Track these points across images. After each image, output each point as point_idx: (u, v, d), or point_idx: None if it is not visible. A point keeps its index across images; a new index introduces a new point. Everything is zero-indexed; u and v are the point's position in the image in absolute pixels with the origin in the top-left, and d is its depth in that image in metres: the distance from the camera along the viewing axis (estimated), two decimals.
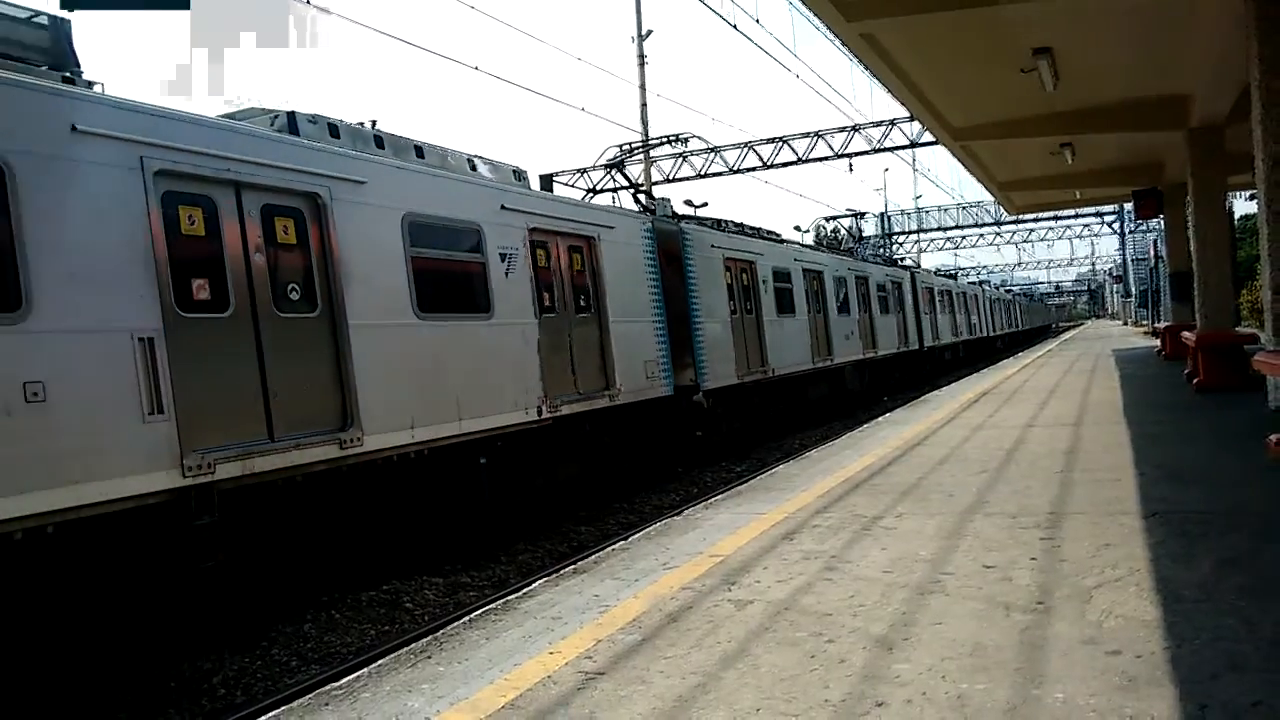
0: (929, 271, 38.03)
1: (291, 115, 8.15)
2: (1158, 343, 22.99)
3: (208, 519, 6.49)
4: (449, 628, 4.36)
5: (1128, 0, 9.46)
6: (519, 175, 11.03)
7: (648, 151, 24.27)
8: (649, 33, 26.31)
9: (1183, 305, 18.51)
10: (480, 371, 9.27)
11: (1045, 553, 4.59)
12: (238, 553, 6.87)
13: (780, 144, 32.29)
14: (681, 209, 15.35)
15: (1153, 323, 38.32)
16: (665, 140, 17.12)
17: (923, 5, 9.22)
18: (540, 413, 10.00)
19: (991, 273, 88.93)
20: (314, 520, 7.64)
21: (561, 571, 5.31)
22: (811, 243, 22.08)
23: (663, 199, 15.39)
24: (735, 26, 19.96)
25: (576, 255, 11.33)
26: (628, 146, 16.59)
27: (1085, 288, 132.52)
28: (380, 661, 3.98)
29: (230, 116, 8.16)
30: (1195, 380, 12.22)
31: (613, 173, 16.34)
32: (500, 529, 9.71)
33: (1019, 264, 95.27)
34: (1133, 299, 57.86)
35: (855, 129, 31.15)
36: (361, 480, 7.94)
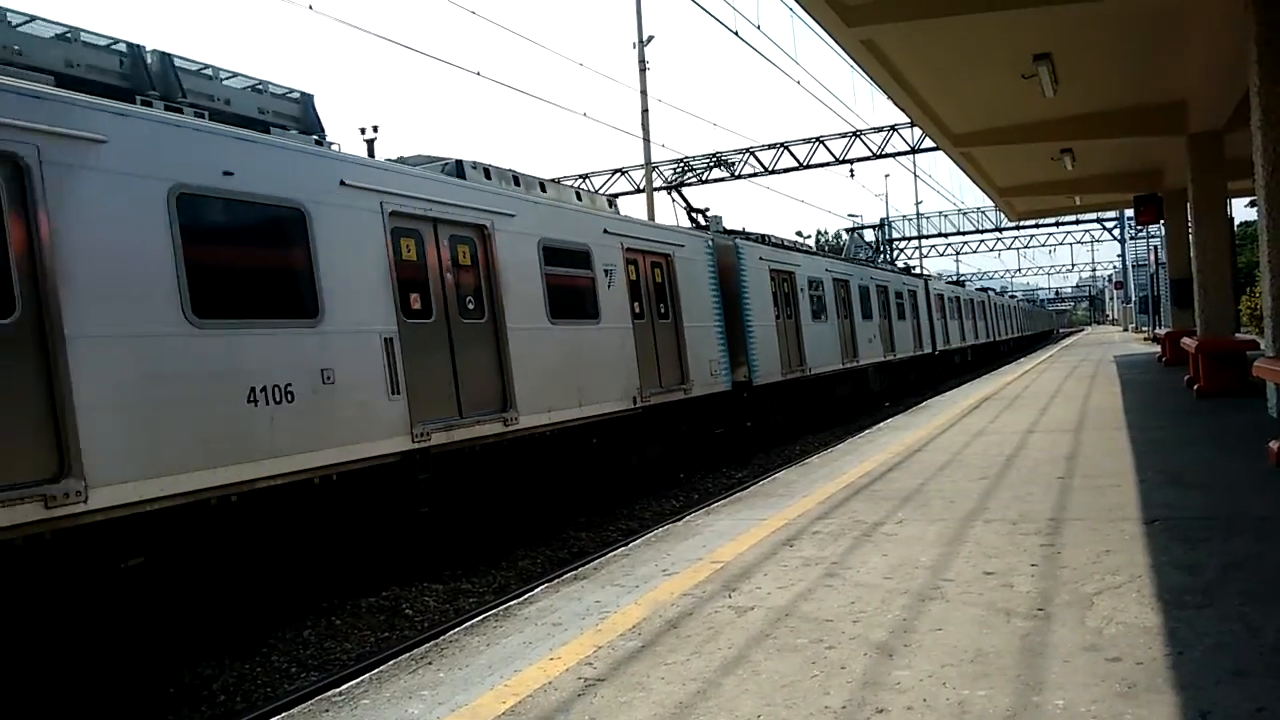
0: (939, 279, 39.63)
1: (459, 163, 9.87)
2: (1158, 349, 22.98)
3: (424, 475, 8.38)
4: (449, 634, 4.35)
5: (1127, 6, 9.47)
6: (611, 203, 13.13)
7: (668, 181, 24.38)
8: (650, 38, 26.30)
9: (1183, 311, 18.51)
10: (592, 368, 11.08)
11: (1046, 559, 4.58)
12: (441, 503, 8.68)
13: (781, 149, 32.35)
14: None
15: (1153, 329, 38.30)
16: (714, 163, 18.07)
17: (923, 11, 9.24)
18: (635, 402, 11.81)
19: (992, 278, 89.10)
20: (485, 480, 9.44)
21: (562, 578, 5.30)
22: (813, 247, 22.65)
23: (715, 216, 16.79)
24: (737, 33, 19.96)
25: (657, 269, 13.09)
26: (683, 167, 17.40)
27: (1085, 294, 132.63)
28: (380, 668, 3.97)
29: (402, 160, 9.70)
30: (1196, 386, 12.22)
31: (672, 193, 17.45)
32: (607, 496, 11.51)
33: (1019, 270, 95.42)
34: (1133, 305, 57.86)
35: (856, 135, 31.22)
36: (515, 451, 9.76)
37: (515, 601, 4.82)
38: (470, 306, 9.28)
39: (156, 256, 6.31)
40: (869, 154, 31.24)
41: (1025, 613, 3.78)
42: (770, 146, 32.48)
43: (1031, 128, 14.71)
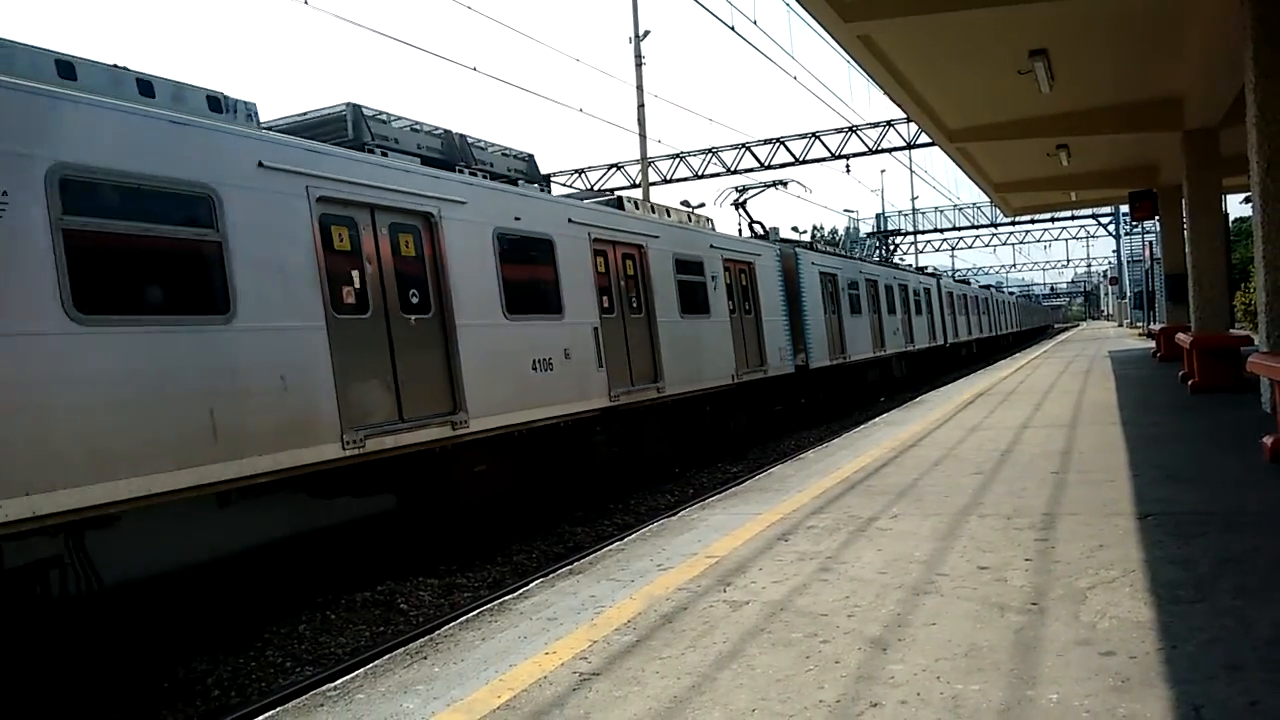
0: (950, 278, 44.24)
1: (655, 206, 13.17)
2: (1153, 344, 23.03)
3: (602, 430, 11.51)
4: (444, 629, 4.35)
5: (1123, 2, 9.48)
6: (709, 221, 15.98)
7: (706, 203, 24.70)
8: (646, 33, 26.26)
9: (1178, 307, 18.55)
10: (707, 352, 14.26)
11: (1040, 554, 4.59)
12: (619, 446, 11.99)
13: (777, 145, 32.33)
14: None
15: (1148, 324, 38.38)
16: (772, 184, 21.37)
17: (919, 7, 9.24)
18: (733, 379, 14.89)
19: (987, 274, 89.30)
20: (639, 428, 12.48)
21: (557, 572, 5.30)
22: (808, 242, 23.49)
23: (773, 228, 19.87)
24: (733, 28, 19.95)
25: (743, 274, 16.17)
26: (741, 186, 20.90)
27: (1081, 289, 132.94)
28: (375, 662, 3.97)
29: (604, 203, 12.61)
30: (1190, 382, 12.24)
31: (739, 210, 20.46)
32: (712, 450, 14.68)
33: (1015, 265, 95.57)
34: (1128, 300, 57.98)
35: (852, 130, 31.21)
36: (661, 409, 12.93)
37: (510, 596, 4.82)
38: (634, 305, 12.50)
39: (488, 275, 9.41)
40: (865, 149, 31.23)
41: (1019, 607, 3.79)
42: (766, 142, 32.46)
43: (1027, 123, 14.72)
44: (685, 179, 33.49)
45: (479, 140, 10.67)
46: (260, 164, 7.26)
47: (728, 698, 3.11)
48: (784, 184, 20.72)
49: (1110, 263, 79.20)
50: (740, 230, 19.81)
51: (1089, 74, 12.37)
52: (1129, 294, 57.72)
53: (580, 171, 34.57)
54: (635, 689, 3.27)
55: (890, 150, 31.34)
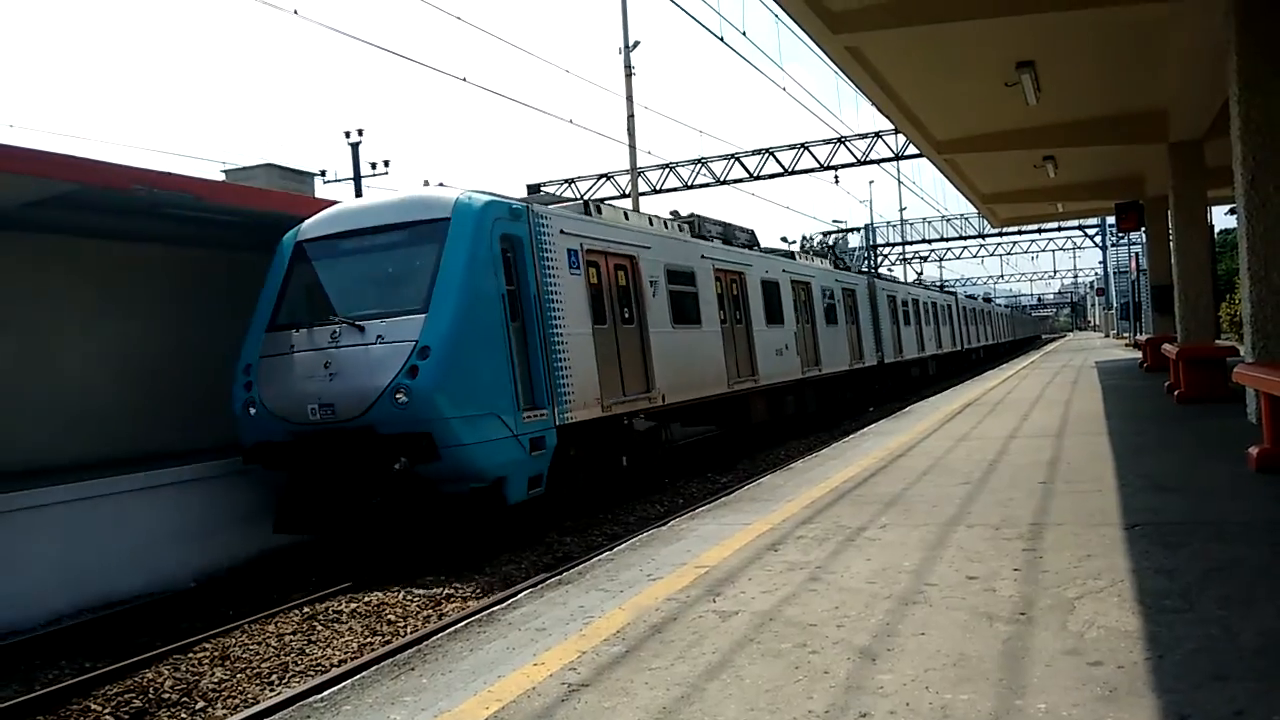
0: (965, 294, 54.64)
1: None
2: (1139, 355, 23.15)
3: (733, 403, 15.39)
4: (432, 639, 4.33)
5: (1108, 16, 9.57)
6: (791, 254, 22.26)
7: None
8: (636, 44, 26.32)
9: (1164, 317, 18.69)
10: (837, 346, 21.21)
11: (1028, 564, 4.61)
12: (767, 411, 16.96)
13: (767, 155, 32.45)
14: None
15: (1134, 335, 38.59)
16: (851, 230, 29.12)
17: (908, 18, 9.31)
18: (848, 368, 21.87)
19: (975, 285, 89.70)
20: (780, 398, 17.43)
21: (546, 583, 5.28)
22: (797, 251, 25.47)
23: (848, 254, 29.31)
24: (722, 39, 20.01)
25: (849, 296, 23.04)
26: (837, 237, 29.31)
27: (1067, 300, 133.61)
28: (363, 674, 3.95)
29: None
30: (1176, 392, 12.31)
31: (829, 253, 28.70)
32: (837, 412, 21.00)
33: (1002, 276, 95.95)
34: (1114, 311, 58.30)
35: (841, 141, 31.35)
36: (745, 397, 15.64)
37: (499, 607, 4.80)
38: (772, 316, 17.26)
39: (661, 296, 12.99)
40: (854, 160, 31.38)
41: (1007, 617, 3.80)
42: (756, 152, 32.58)
43: (1014, 135, 14.84)
44: (675, 189, 33.57)
45: (719, 222, 16.67)
46: (812, 267, 21.13)
47: (717, 708, 3.10)
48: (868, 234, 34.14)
49: (1097, 273, 79.64)
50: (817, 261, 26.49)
51: (1075, 86, 12.48)
52: (1115, 305, 58.06)
53: (570, 181, 34.60)
54: (624, 700, 3.26)
55: (878, 161, 31.52)
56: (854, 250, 56.82)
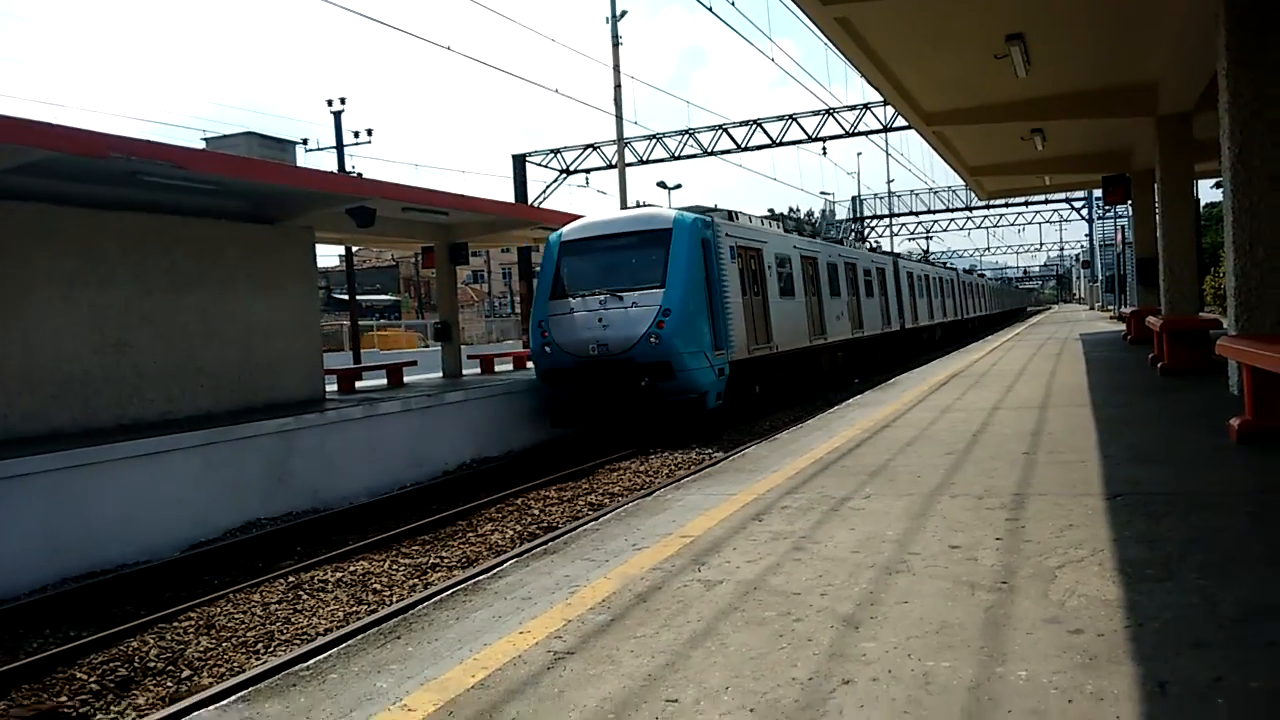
0: (956, 267, 59.59)
1: (731, 214, 17.17)
2: (1123, 327, 23.28)
3: (840, 354, 22.31)
4: (418, 608, 4.33)
5: None
6: (840, 240, 28.98)
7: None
8: (624, 13, 26.09)
9: (1149, 290, 18.77)
10: (878, 313, 26.37)
11: (1010, 533, 4.64)
12: (852, 361, 23.39)
13: (754, 127, 32.27)
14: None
15: (1119, 307, 38.81)
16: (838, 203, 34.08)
17: None
18: (885, 329, 27.29)
19: (961, 257, 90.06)
20: (839, 353, 22.41)
21: (532, 552, 5.29)
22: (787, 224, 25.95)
23: (835, 226, 38.34)
24: (710, 9, 19.82)
25: (881, 272, 27.68)
26: (823, 209, 36.73)
27: (1053, 273, 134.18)
28: (349, 642, 3.95)
29: (691, 209, 15.69)
30: (1160, 364, 12.40)
31: (867, 239, 42.49)
32: (884, 361, 25.98)
33: (989, 248, 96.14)
34: (1099, 284, 58.59)
35: (829, 113, 31.20)
36: (817, 350, 20.36)
37: (485, 576, 4.81)
38: (834, 291, 21.93)
39: (772, 276, 17.76)
40: (842, 132, 31.24)
41: (989, 586, 3.83)
42: (744, 124, 32.39)
43: (1003, 107, 14.80)
44: (662, 160, 33.38)
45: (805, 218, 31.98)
46: (886, 259, 30.24)
47: (701, 676, 3.12)
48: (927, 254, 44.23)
49: (1083, 246, 80.00)
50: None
51: (1065, 59, 12.44)
52: (1101, 277, 58.36)
53: (556, 152, 34.36)
54: (609, 667, 3.27)
55: (867, 133, 31.39)
56: (841, 222, 56.85)
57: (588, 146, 33.91)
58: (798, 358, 18.95)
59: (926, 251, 70.07)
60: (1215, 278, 28.52)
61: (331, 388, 15.61)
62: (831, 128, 31.22)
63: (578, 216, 16.76)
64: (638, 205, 21.16)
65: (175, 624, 7.12)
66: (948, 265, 54.14)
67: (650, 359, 14.00)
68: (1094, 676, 2.84)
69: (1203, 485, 5.53)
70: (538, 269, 17.37)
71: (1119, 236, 42.02)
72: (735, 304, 15.47)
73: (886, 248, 53.37)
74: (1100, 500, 5.20)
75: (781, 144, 31.97)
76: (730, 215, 17.03)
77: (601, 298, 14.50)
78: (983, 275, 70.06)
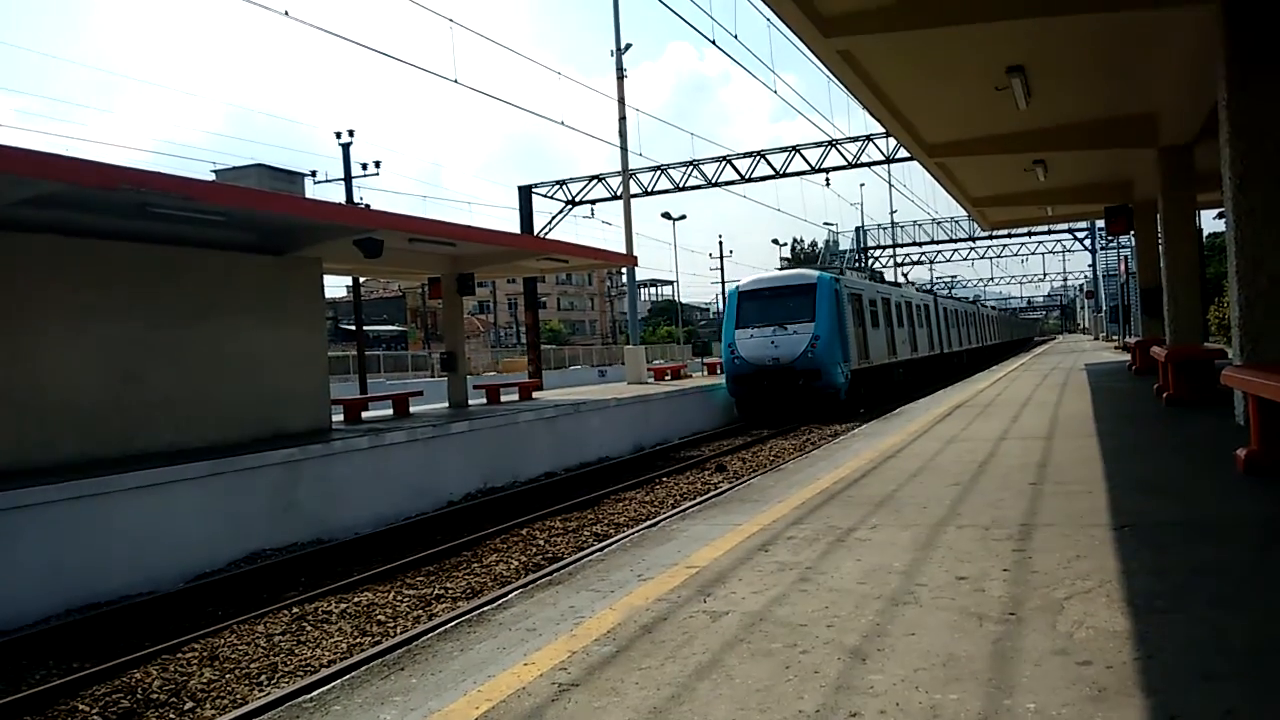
0: (977, 301, 68.10)
1: (841, 269, 29.02)
2: (1128, 357, 23.25)
3: (901, 370, 29.64)
4: (422, 639, 4.32)
5: (1099, 20, 9.61)
6: (898, 284, 38.85)
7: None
8: (628, 46, 26.38)
9: (1153, 320, 18.77)
10: (931, 338, 35.65)
11: (1017, 564, 4.62)
12: (908, 378, 30.22)
13: (758, 158, 32.48)
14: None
15: (1123, 337, 38.77)
16: (841, 234, 41.71)
17: (900, 23, 9.33)
18: (929, 353, 34.76)
19: (964, 287, 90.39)
20: (903, 371, 30.12)
21: (536, 583, 5.27)
22: (789, 255, 28.15)
23: (839, 256, 48.92)
24: (714, 42, 20.09)
25: (925, 308, 35.01)
26: (826, 240, 46.72)
27: (1057, 303, 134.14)
28: (352, 674, 3.94)
29: (818, 268, 27.06)
30: (1165, 394, 12.37)
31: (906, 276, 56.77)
32: (936, 377, 32.58)
33: (992, 279, 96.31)
34: (1103, 314, 58.57)
35: (832, 144, 31.41)
36: (890, 366, 28.11)
37: (489, 607, 4.79)
38: (900, 322, 29.82)
39: (861, 313, 25.42)
40: (845, 163, 31.45)
41: (997, 617, 3.81)
42: (747, 155, 32.62)
43: (1005, 139, 14.88)
44: (666, 190, 33.58)
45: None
46: (928, 297, 38.36)
47: (707, 708, 3.10)
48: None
49: (1086, 276, 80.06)
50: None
51: (1065, 90, 12.53)
52: (1104, 308, 58.34)
53: (562, 183, 34.60)
54: (614, 699, 3.26)
55: (869, 164, 31.58)
56: (845, 253, 57.01)
57: (593, 178, 34.14)
58: (881, 371, 26.66)
59: (951, 285, 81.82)
60: (1219, 308, 28.51)
61: (338, 417, 15.63)
62: (834, 159, 31.43)
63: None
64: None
65: (179, 655, 7.10)
66: (971, 301, 61.77)
67: (806, 367, 22.31)
68: (1103, 709, 2.82)
69: (1210, 516, 5.50)
70: (722, 311, 31.99)
71: (1122, 266, 42.05)
72: (850, 333, 23.52)
73: (889, 277, 55.89)
74: (1107, 531, 5.18)
75: (785, 175, 32.17)
76: (841, 272, 26.53)
77: (773, 328, 22.85)
78: (989, 306, 76.07)
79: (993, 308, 76.61)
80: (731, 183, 32.74)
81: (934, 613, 3.93)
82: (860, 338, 24.56)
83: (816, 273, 23.83)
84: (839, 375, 22.43)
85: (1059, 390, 16.54)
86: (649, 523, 8.98)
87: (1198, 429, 9.64)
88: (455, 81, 25.53)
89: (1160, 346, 13.81)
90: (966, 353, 44.11)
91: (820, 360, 22.14)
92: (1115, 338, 45.69)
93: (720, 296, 60.57)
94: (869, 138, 30.72)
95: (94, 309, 10.98)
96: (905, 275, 64.32)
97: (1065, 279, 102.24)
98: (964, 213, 39.53)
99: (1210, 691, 2.90)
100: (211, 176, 15.28)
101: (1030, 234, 57.76)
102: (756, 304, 23.43)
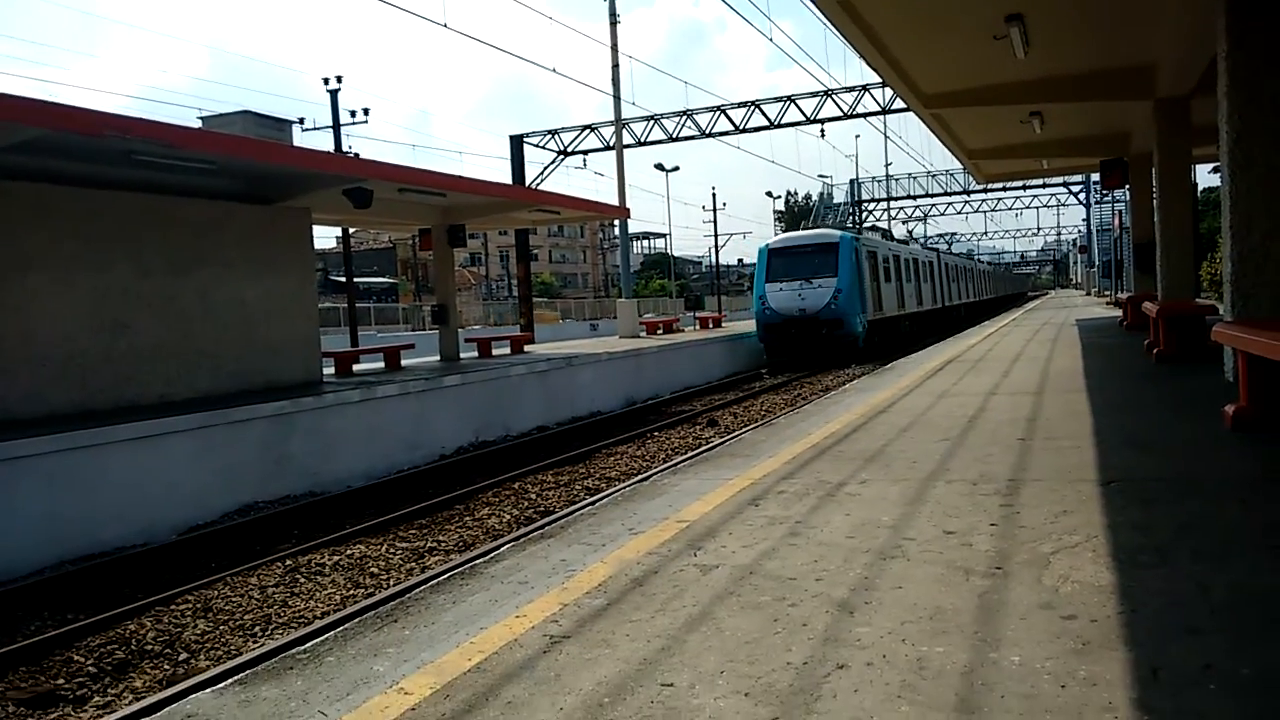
0: (976, 258, 72.57)
1: (859, 229, 35.50)
2: (1120, 313, 23.29)
3: (908, 322, 32.63)
4: (415, 592, 4.35)
5: None
6: (906, 241, 44.24)
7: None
8: None
9: (1145, 276, 18.77)
10: (936, 292, 39.09)
11: (1005, 519, 4.66)
12: (914, 328, 33.28)
13: (753, 108, 32.13)
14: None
15: (1115, 293, 38.83)
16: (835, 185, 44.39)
17: None
18: (935, 306, 38.67)
19: (959, 241, 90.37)
20: (918, 321, 34.26)
21: (529, 536, 5.31)
22: (782, 209, 27.74)
23: (833, 209, 52.19)
24: None
25: (929, 264, 38.35)
26: (821, 192, 49.81)
27: (1050, 257, 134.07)
28: (345, 626, 3.97)
29: (838, 228, 31.47)
30: (1156, 350, 12.41)
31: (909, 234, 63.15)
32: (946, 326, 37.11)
33: (986, 233, 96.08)
34: (1096, 269, 58.60)
35: (828, 94, 31.06)
36: (900, 318, 31.38)
37: (481, 560, 4.82)
38: (909, 277, 33.30)
39: (881, 268, 29.44)
40: (840, 114, 31.13)
41: (984, 571, 3.85)
42: (742, 105, 32.26)
43: (1002, 89, 14.73)
44: (659, 141, 33.24)
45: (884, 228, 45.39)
46: (930, 252, 42.06)
47: (696, 660, 3.14)
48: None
49: (1080, 231, 79.98)
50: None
51: (1064, 40, 12.38)
52: (1098, 263, 58.33)
53: (553, 133, 34.21)
54: (605, 651, 3.29)
55: (865, 115, 31.27)
56: (839, 205, 56.72)
57: (585, 128, 33.76)
58: (892, 321, 29.80)
59: (950, 241, 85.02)
60: (1212, 263, 28.54)
61: (329, 370, 15.61)
62: (830, 110, 31.10)
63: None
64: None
65: (172, 607, 7.15)
66: (964, 255, 66.19)
67: (830, 317, 25.00)
68: (1087, 661, 2.86)
69: (1196, 471, 5.55)
70: (751, 267, 40.03)
71: (1116, 221, 41.97)
72: (868, 287, 26.64)
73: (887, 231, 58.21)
74: (1094, 486, 5.22)
75: (780, 126, 31.85)
76: (859, 233, 30.06)
77: (799, 282, 25.50)
78: (984, 262, 78.79)
79: (987, 263, 79.36)
80: (726, 133, 32.44)
81: (921, 566, 3.97)
82: (875, 291, 27.66)
83: (839, 232, 26.93)
84: (858, 325, 25.40)
85: (1050, 345, 16.59)
86: (640, 477, 9.03)
87: (1187, 385, 9.69)
88: (445, 26, 25.12)
89: (1152, 302, 13.82)
90: (965, 306, 46.79)
91: (842, 311, 24.98)
92: (1107, 293, 45.79)
93: (713, 250, 60.94)
94: (865, 88, 30.39)
95: (81, 258, 10.88)
96: (910, 231, 69.21)
97: (1059, 234, 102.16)
98: (959, 166, 39.67)
99: (1192, 644, 2.94)
100: (198, 124, 15.05)
101: (1025, 187, 57.57)
102: (784, 260, 26.21)
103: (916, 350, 18.85)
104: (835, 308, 24.95)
